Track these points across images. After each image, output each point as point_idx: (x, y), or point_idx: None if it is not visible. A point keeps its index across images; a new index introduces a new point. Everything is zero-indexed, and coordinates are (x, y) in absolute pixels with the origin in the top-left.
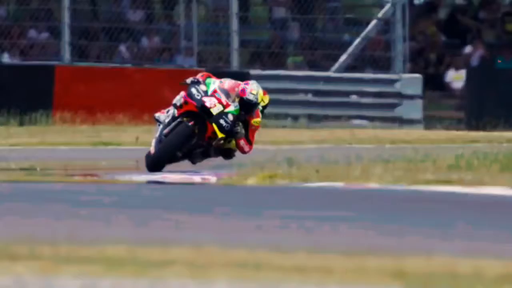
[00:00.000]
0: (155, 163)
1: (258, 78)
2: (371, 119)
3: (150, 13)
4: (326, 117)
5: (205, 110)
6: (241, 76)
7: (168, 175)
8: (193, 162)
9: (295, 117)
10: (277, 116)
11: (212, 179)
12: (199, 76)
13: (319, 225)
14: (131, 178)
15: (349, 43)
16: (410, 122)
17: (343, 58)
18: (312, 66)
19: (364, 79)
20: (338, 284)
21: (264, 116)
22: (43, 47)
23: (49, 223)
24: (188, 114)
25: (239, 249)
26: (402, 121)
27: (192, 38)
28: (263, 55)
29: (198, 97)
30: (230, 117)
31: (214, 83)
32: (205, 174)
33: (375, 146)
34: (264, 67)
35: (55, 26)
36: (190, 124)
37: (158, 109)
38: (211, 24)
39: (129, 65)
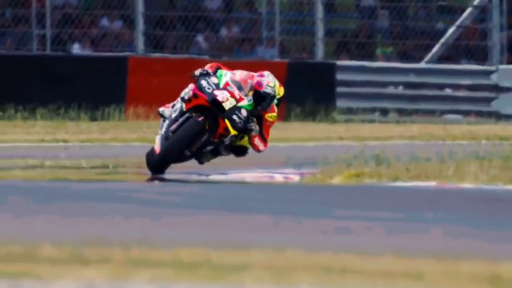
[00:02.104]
0: (160, 162)
1: (344, 70)
2: (465, 113)
3: (229, 1)
4: (417, 112)
5: (217, 104)
6: (327, 68)
7: (247, 174)
8: (201, 162)
9: (384, 112)
10: (364, 111)
11: (295, 178)
12: (208, 67)
13: (408, 227)
14: (207, 177)
15: (443, 32)
16: (507, 117)
17: (436, 48)
18: (403, 57)
19: (458, 70)
20: None
21: (351, 110)
22: (116, 37)
23: (120, 224)
24: (197, 109)
25: (322, 252)
26: (498, 116)
27: (274, 28)
28: (350, 45)
29: (209, 90)
30: (244, 112)
31: (226, 75)
32: (288, 172)
33: (469, 143)
34: (351, 58)
35: (128, 14)
36: (200, 119)
37: None
38: (295, 12)
39: (206, 57)
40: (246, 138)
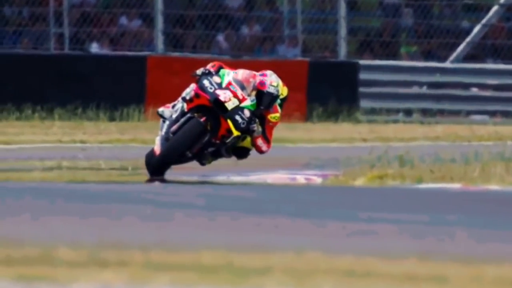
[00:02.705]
0: (160, 164)
1: (368, 69)
2: (491, 114)
3: None
4: (442, 112)
5: (219, 104)
6: (350, 68)
7: (269, 176)
8: (202, 163)
9: (408, 112)
10: (388, 111)
11: (317, 179)
12: (209, 67)
13: (432, 229)
14: (228, 178)
15: (468, 31)
16: None
17: (461, 47)
18: (427, 56)
19: (484, 70)
20: None
21: (374, 111)
22: (135, 36)
23: (139, 226)
24: (199, 109)
25: (344, 255)
26: None
27: (296, 26)
28: (373, 44)
29: (211, 90)
30: (247, 112)
31: (229, 75)
32: (310, 174)
33: (495, 144)
34: (374, 57)
35: (148, 13)
36: (202, 120)
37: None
38: (317, 10)
39: (227, 56)
40: (248, 139)
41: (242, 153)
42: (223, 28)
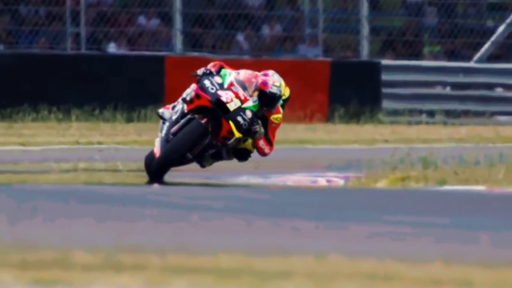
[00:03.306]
0: (161, 166)
1: (390, 69)
2: None
3: None
4: (466, 113)
5: (221, 105)
6: (372, 68)
7: (289, 178)
8: (203, 165)
9: (431, 113)
10: (411, 112)
11: (339, 181)
12: (210, 66)
13: (456, 233)
14: (248, 180)
15: (493, 30)
16: None
17: (485, 46)
18: (451, 56)
19: (509, 70)
20: None
21: (397, 112)
22: (153, 35)
23: (156, 229)
24: (200, 110)
25: (366, 259)
26: None
27: (317, 26)
28: (396, 44)
29: (212, 91)
30: (249, 113)
31: (230, 75)
32: (331, 176)
33: None
34: (397, 57)
35: (166, 12)
36: (203, 121)
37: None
38: (338, 9)
39: (247, 56)
40: (250, 141)
41: (243, 155)
42: (243, 27)
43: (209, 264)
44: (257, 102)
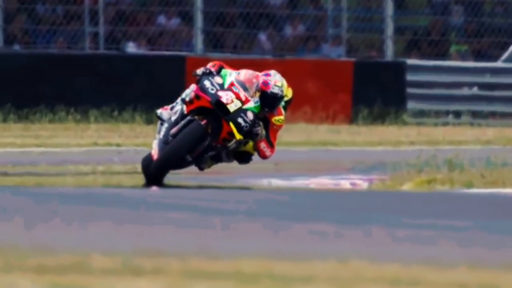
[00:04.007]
0: (159, 169)
1: (415, 70)
2: None
3: None
4: (493, 114)
5: (221, 106)
6: (397, 68)
7: (312, 180)
8: (201, 168)
9: (458, 114)
10: (437, 113)
11: (363, 184)
12: (210, 66)
13: (483, 236)
14: (270, 183)
15: None
16: None
17: None
18: (478, 55)
19: None
20: None
21: (422, 113)
22: (173, 35)
23: (176, 233)
24: (199, 111)
25: (390, 264)
26: None
27: (341, 25)
28: (421, 43)
29: (213, 91)
30: (250, 115)
31: (231, 75)
32: (355, 178)
33: None
34: (422, 57)
35: (187, 11)
36: (203, 123)
37: (300, 105)
38: (362, 8)
39: (269, 56)
40: (251, 144)
41: (244, 157)
42: (265, 27)
43: (230, 268)
44: (258, 103)
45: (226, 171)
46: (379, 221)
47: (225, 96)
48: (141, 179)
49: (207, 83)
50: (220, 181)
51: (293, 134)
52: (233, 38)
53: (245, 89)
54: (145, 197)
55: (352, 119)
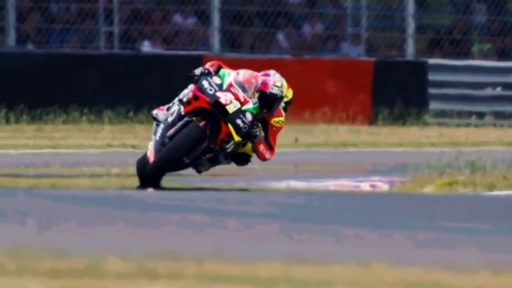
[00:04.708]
0: (156, 171)
1: (437, 69)
2: None
3: None
4: None
5: (219, 107)
6: (418, 67)
7: (331, 182)
8: (199, 170)
9: (480, 115)
10: (459, 114)
11: (383, 186)
12: (208, 66)
13: (506, 240)
14: (288, 185)
15: None
16: None
17: None
18: (501, 55)
19: None
20: None
21: (444, 113)
22: (189, 34)
23: (192, 236)
24: (197, 112)
25: (411, 268)
26: None
27: (361, 23)
28: (443, 42)
29: (211, 92)
30: (249, 116)
31: (229, 75)
32: (375, 180)
33: None
34: (444, 57)
35: (203, 10)
36: (201, 124)
37: (319, 106)
38: (383, 6)
39: (287, 56)
40: (249, 145)
41: (242, 159)
42: (283, 25)
43: (247, 272)
44: (257, 104)
45: (243, 173)
46: (400, 224)
47: (224, 97)
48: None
49: (205, 83)
50: (236, 183)
51: (313, 135)
52: (250, 37)
53: (244, 89)
54: (160, 199)
55: (372, 120)
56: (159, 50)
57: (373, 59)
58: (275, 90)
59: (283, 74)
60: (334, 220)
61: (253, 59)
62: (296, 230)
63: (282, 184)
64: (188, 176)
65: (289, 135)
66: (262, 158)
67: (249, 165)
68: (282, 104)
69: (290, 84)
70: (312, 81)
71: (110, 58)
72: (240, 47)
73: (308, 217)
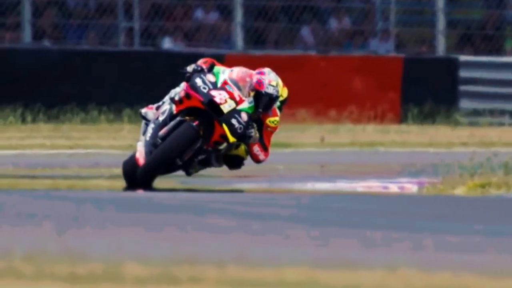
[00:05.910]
0: (147, 173)
1: (468, 66)
2: None
3: None
4: None
5: (214, 107)
6: (449, 64)
7: (359, 184)
8: (189, 173)
9: None
10: (491, 112)
11: (413, 188)
12: (201, 63)
13: None
14: (313, 186)
15: None
16: None
17: None
18: None
19: None
20: None
21: (476, 112)
22: (211, 30)
23: (214, 239)
24: (190, 112)
25: (441, 272)
26: None
27: (389, 19)
28: (474, 38)
29: (205, 90)
30: (244, 116)
31: (224, 73)
32: (404, 182)
33: None
34: (476, 53)
35: (225, 5)
36: (194, 124)
37: (346, 104)
38: (412, 1)
39: (313, 52)
40: (243, 147)
41: (234, 162)
42: (308, 20)
43: (272, 277)
44: (252, 104)
45: (266, 174)
46: (429, 227)
47: (219, 96)
48: (176, 183)
49: (198, 81)
50: (259, 184)
51: (339, 135)
52: (274, 33)
53: (239, 88)
54: (182, 201)
55: (401, 119)
56: (180, 47)
57: (402, 55)
58: (270, 90)
59: (309, 72)
60: (361, 223)
61: (277, 55)
62: (322, 233)
63: (307, 186)
64: (207, 177)
65: (315, 134)
66: (256, 160)
67: (273, 165)
68: (278, 104)
69: (316, 82)
70: (338, 79)
71: (130, 55)
72: (264, 44)
73: (334, 219)
